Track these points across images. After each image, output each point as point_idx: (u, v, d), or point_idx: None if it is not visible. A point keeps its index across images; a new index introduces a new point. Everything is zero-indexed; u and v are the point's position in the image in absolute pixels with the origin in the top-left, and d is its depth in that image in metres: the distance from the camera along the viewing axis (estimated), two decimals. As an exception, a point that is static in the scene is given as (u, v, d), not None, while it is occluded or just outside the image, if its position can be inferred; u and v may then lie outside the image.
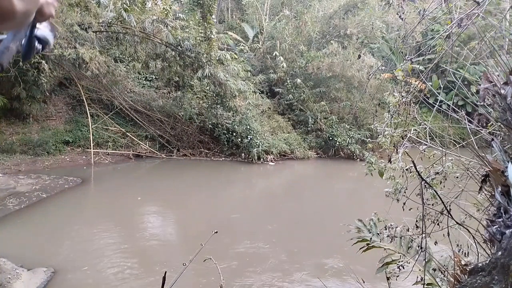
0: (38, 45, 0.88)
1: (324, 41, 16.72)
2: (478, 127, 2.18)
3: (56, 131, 12.49)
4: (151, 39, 12.03)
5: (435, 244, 2.54)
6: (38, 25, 0.86)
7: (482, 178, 1.83)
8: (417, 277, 2.33)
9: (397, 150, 2.87)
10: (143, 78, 15.16)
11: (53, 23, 0.93)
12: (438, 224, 2.43)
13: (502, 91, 1.62)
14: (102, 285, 5.08)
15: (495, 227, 1.62)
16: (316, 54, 15.49)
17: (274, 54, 15.32)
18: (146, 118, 13.78)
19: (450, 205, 2.27)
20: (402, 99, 2.87)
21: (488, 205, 1.90)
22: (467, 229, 2.10)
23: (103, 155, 12.52)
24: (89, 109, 12.69)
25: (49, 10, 0.82)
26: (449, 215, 2.13)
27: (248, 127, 13.07)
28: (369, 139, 10.39)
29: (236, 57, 13.83)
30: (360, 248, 2.59)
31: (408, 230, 2.68)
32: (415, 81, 3.09)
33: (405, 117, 2.89)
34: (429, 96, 2.89)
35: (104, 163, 12.16)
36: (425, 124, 2.77)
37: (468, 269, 1.81)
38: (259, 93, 15.14)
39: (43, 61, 10.59)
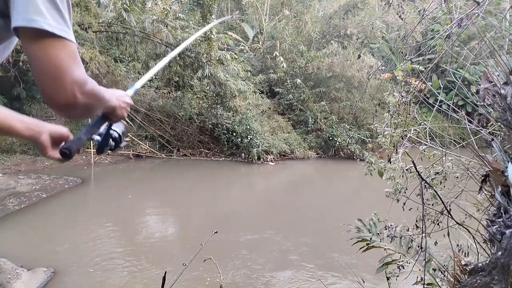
0: (111, 143, 1.01)
1: (324, 41, 16.71)
2: (478, 127, 2.18)
3: (56, 131, 12.46)
4: (151, 39, 12.03)
5: (435, 244, 2.54)
6: (114, 125, 1.00)
7: (482, 178, 1.83)
8: (417, 277, 2.33)
9: (397, 150, 2.87)
10: (143, 78, 15.12)
11: (126, 125, 1.09)
12: (438, 224, 2.43)
13: (502, 91, 1.62)
14: (102, 285, 5.08)
15: (495, 227, 1.62)
16: (316, 54, 15.48)
17: (274, 54, 15.31)
18: (146, 118, 13.77)
19: (450, 205, 2.27)
20: (402, 99, 2.87)
21: (488, 205, 1.90)
22: (467, 229, 2.10)
23: (103, 155, 12.52)
24: (89, 109, 12.66)
25: (121, 112, 0.95)
26: (449, 215, 2.13)
27: (248, 127, 13.07)
28: (369, 139, 10.40)
29: (236, 57, 13.83)
30: (360, 248, 2.59)
31: (408, 230, 2.68)
32: (415, 81, 3.09)
33: (405, 117, 2.89)
34: (429, 96, 2.90)
35: (104, 163, 12.16)
36: (425, 124, 2.77)
37: (468, 269, 1.81)
38: (259, 93, 15.13)
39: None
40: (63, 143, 0.96)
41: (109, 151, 1.03)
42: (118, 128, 1.01)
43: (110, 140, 1.00)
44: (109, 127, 0.98)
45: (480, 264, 1.52)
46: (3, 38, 0.80)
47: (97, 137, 0.96)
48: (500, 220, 1.59)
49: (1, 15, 0.73)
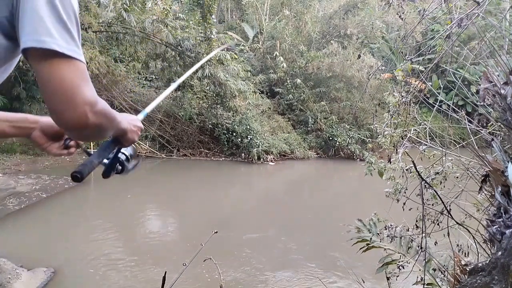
0: (118, 167, 0.98)
1: (324, 41, 16.71)
2: (478, 127, 2.18)
3: (56, 131, 12.46)
4: (151, 39, 12.03)
5: (435, 244, 2.54)
6: (123, 149, 0.98)
7: (482, 178, 1.83)
8: (417, 277, 2.33)
9: (397, 150, 2.87)
10: (143, 78, 15.13)
11: (135, 148, 1.05)
12: (438, 224, 2.43)
13: (502, 91, 1.63)
14: (102, 285, 5.08)
15: (495, 227, 1.62)
16: (316, 54, 15.47)
17: (274, 54, 15.31)
18: (146, 118, 13.60)
19: (450, 205, 2.27)
20: (402, 99, 2.87)
21: (488, 205, 1.90)
22: (467, 229, 2.10)
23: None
24: (89, 109, 12.65)
25: (132, 136, 0.94)
26: (449, 215, 2.13)
27: (248, 127, 13.07)
28: (369, 139, 10.39)
29: (236, 57, 13.83)
30: (360, 248, 2.60)
31: (408, 230, 2.68)
32: (415, 81, 3.09)
33: (405, 117, 2.89)
34: (429, 96, 2.90)
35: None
36: (425, 124, 2.77)
37: (468, 269, 1.81)
38: (259, 93, 15.13)
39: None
40: (65, 137, 0.94)
41: (116, 174, 1.00)
42: (126, 151, 0.99)
43: (117, 164, 0.97)
44: (118, 151, 0.96)
45: (480, 264, 1.52)
46: (7, 60, 0.79)
47: (104, 160, 0.94)
48: (500, 220, 1.59)
49: (7, 37, 0.72)
